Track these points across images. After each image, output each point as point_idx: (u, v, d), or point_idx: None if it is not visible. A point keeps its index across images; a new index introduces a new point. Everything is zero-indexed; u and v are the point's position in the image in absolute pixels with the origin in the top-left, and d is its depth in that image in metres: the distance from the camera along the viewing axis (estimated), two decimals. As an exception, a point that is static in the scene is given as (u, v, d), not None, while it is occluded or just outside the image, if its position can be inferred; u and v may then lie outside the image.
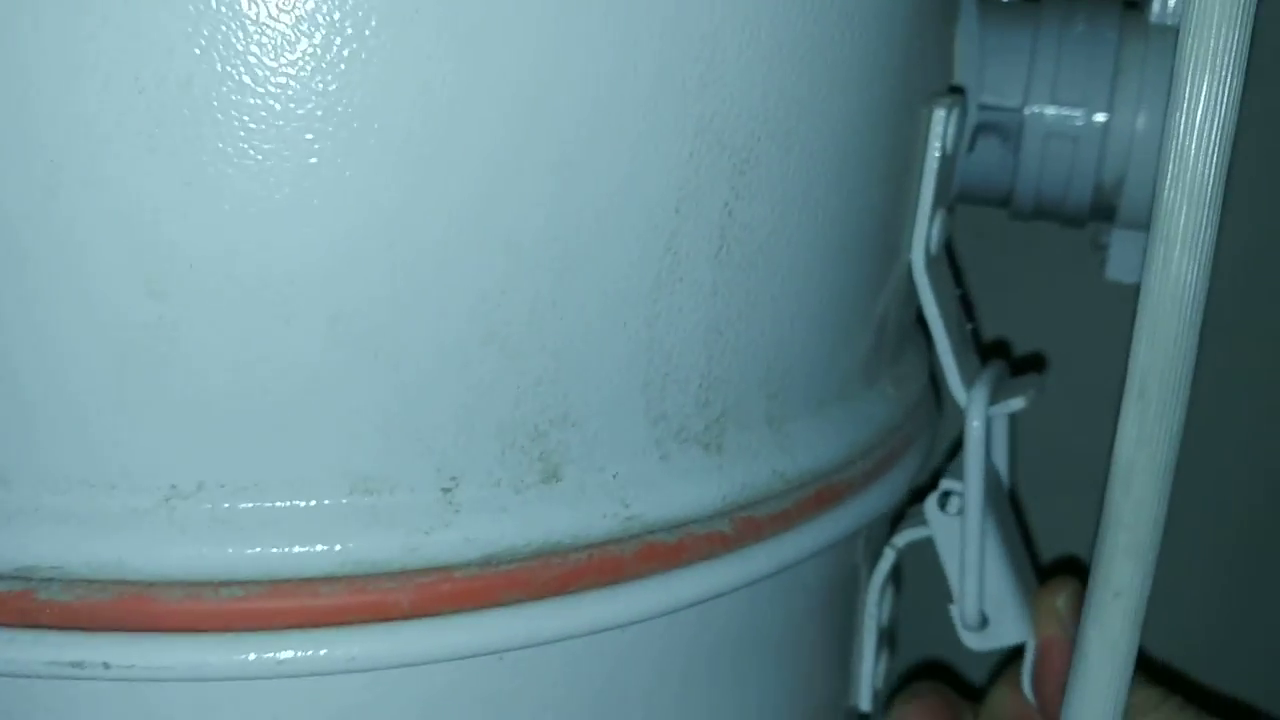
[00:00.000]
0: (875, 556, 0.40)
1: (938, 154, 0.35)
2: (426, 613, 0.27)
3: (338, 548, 0.26)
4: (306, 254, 0.25)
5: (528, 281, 0.27)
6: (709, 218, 0.28)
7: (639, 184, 0.27)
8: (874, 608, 0.41)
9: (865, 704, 0.42)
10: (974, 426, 0.36)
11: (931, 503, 0.39)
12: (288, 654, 0.26)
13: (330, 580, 0.26)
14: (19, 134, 0.23)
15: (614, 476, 0.29)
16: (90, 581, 0.26)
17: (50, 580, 0.25)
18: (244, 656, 0.25)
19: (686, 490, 0.30)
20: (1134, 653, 0.33)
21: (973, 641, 0.38)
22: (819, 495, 0.33)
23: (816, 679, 0.38)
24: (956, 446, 0.39)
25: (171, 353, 0.25)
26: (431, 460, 0.27)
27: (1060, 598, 0.38)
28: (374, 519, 0.27)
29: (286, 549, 0.26)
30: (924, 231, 0.36)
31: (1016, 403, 0.38)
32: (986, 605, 0.38)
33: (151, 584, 0.26)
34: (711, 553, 0.31)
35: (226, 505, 0.26)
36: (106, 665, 0.25)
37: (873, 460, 0.35)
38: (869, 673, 0.41)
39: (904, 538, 0.40)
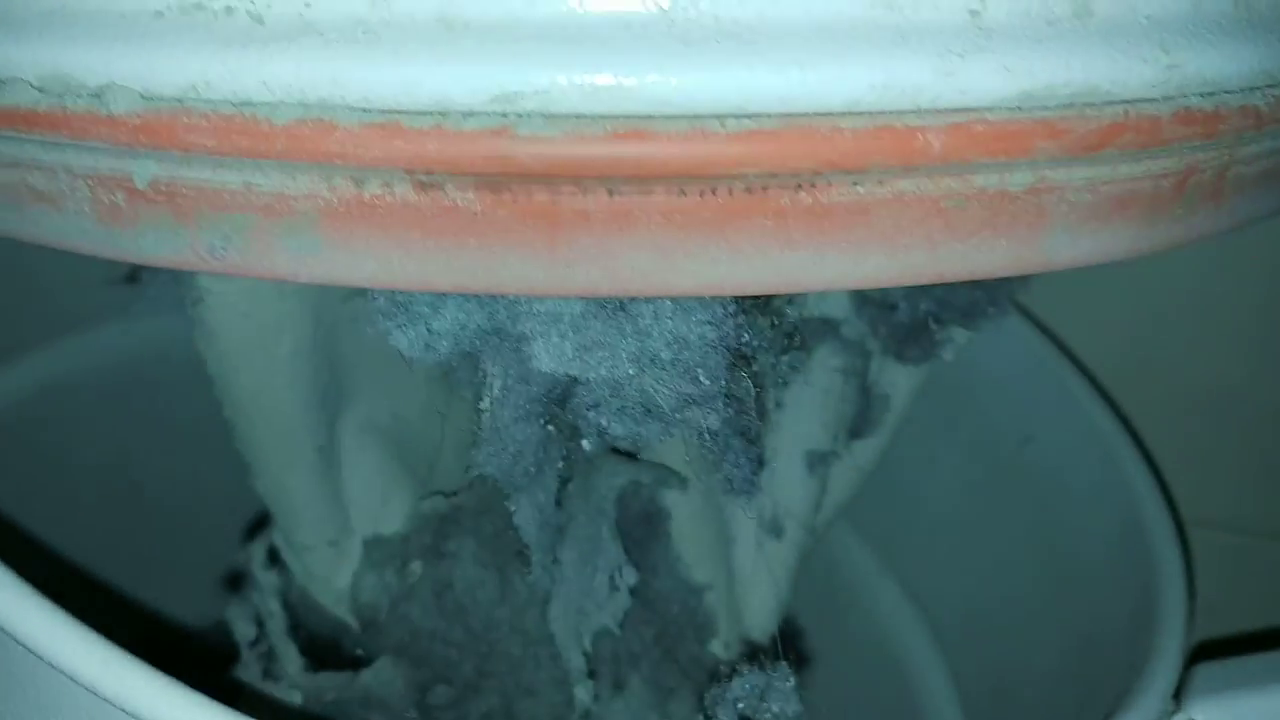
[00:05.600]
0: None
1: None
2: (958, 159, 0.23)
3: (860, 70, 0.22)
4: None
5: None
6: None
7: None
8: None
9: None
10: None
11: None
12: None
13: (851, 114, 0.22)
14: None
15: (1147, 18, 0.25)
16: (579, 116, 0.22)
17: (531, 114, 0.22)
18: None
19: (1224, 51, 0.25)
20: None
21: None
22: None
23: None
24: None
25: None
26: (957, -28, 0.23)
27: None
28: (899, 38, 0.22)
29: (803, 72, 0.22)
30: None
31: None
32: None
33: (649, 117, 0.22)
34: (1244, 126, 0.26)
35: (732, 16, 0.22)
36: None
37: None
38: None
39: None
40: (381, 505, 0.44)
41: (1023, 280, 0.39)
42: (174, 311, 0.56)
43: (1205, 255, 0.57)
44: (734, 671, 0.32)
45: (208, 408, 0.44)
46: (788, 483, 0.42)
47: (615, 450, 0.41)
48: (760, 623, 0.44)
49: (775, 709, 0.31)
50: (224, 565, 0.59)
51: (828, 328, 0.40)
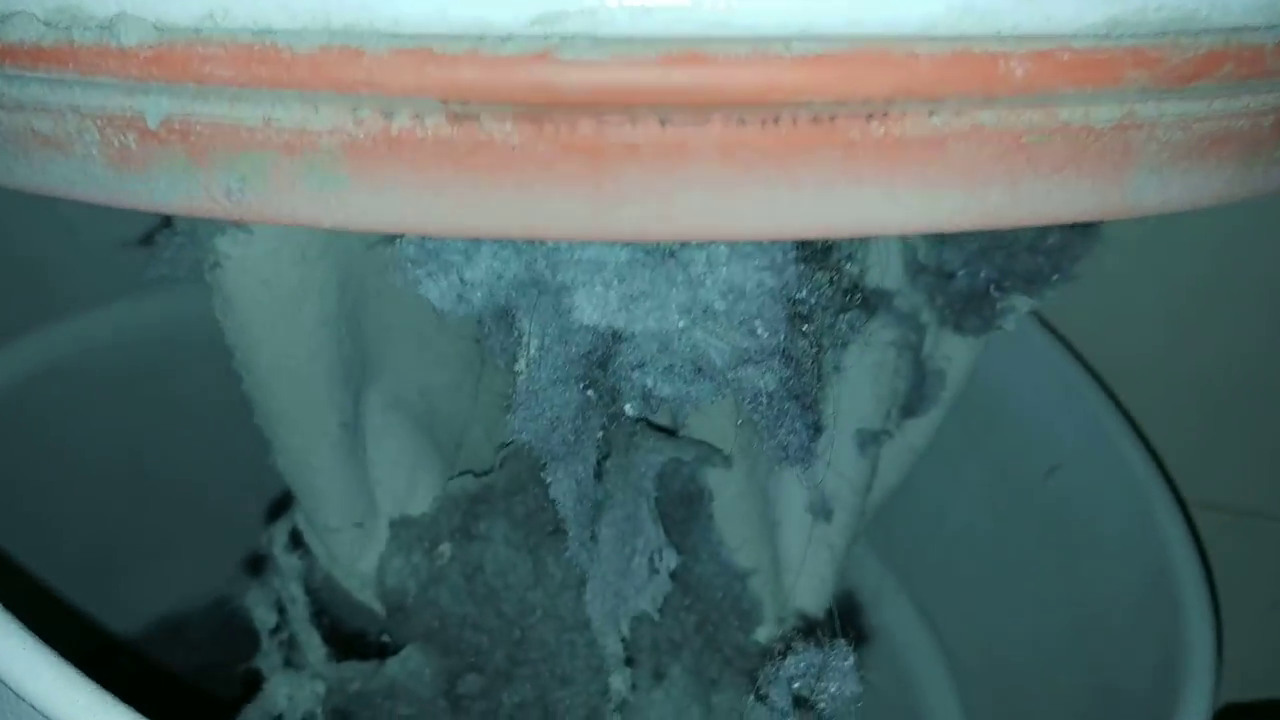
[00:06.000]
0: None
1: None
2: (1041, 89, 0.21)
3: (936, -12, 0.20)
4: None
5: None
6: None
7: None
8: None
9: None
10: None
11: None
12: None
13: (927, 39, 0.21)
14: None
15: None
16: (629, 39, 0.20)
17: (576, 37, 0.20)
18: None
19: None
20: None
21: None
22: None
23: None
24: None
25: None
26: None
27: None
28: (980, -47, 0.20)
29: (873, -9, 0.20)
30: None
31: None
32: None
33: (707, 40, 0.20)
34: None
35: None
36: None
37: None
38: None
39: None
40: (409, 485, 0.42)
41: (1087, 246, 0.37)
42: (185, 286, 0.54)
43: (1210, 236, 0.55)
44: (788, 649, 0.30)
45: (218, 388, 0.42)
46: (837, 463, 0.40)
47: (654, 427, 0.39)
48: (807, 611, 0.42)
49: (833, 689, 0.29)
50: (229, 549, 0.58)
51: (881, 299, 0.38)
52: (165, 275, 0.33)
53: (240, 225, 0.32)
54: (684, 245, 0.24)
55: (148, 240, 0.34)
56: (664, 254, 0.24)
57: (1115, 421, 0.49)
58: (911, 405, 0.41)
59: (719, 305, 0.24)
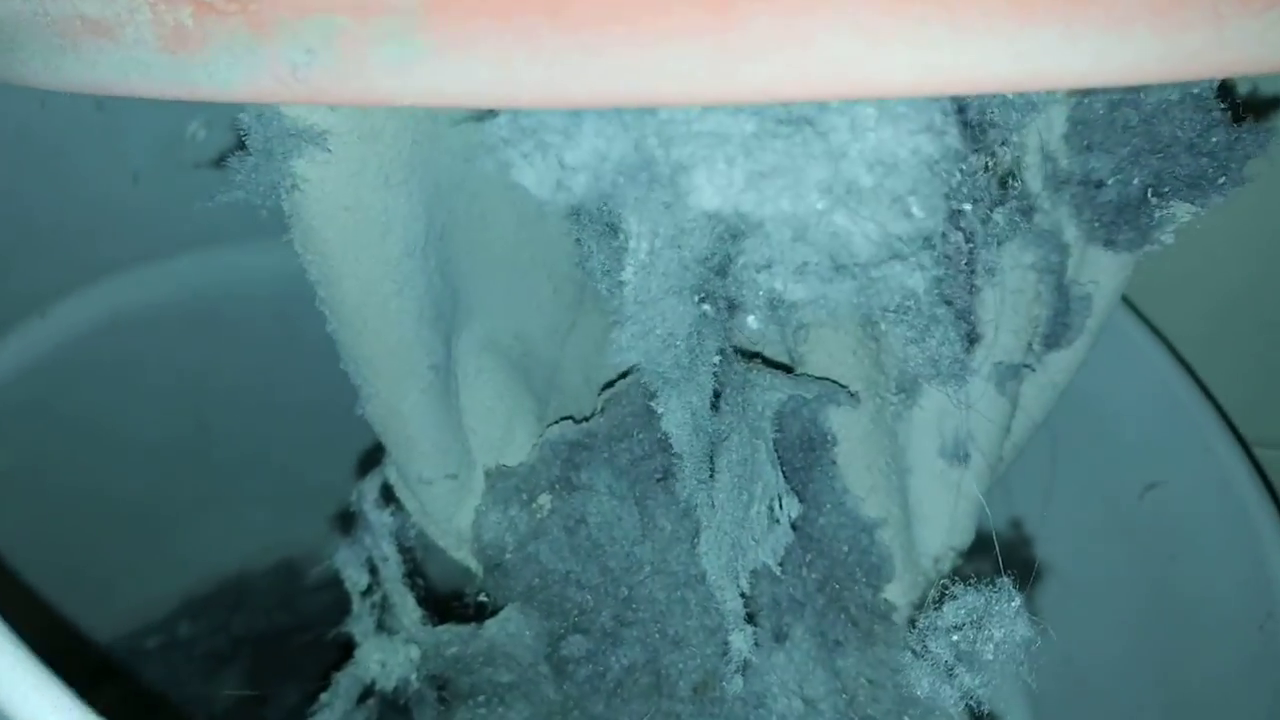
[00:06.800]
0: None
1: None
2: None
3: None
4: None
5: None
6: None
7: None
8: None
9: None
10: None
11: None
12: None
13: None
14: None
15: None
16: None
17: None
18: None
19: None
20: None
21: None
22: None
23: None
24: None
25: None
26: None
27: None
28: None
29: None
30: None
31: None
32: None
33: None
34: None
35: None
36: None
37: None
38: None
39: None
40: (504, 432, 0.39)
41: (1259, 143, 0.32)
42: (249, 240, 0.52)
43: None
44: (944, 594, 0.26)
45: (281, 344, 0.39)
46: (973, 400, 0.36)
47: (770, 364, 0.36)
48: (942, 565, 0.39)
49: (999, 635, 0.25)
50: (292, 511, 0.57)
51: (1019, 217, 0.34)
52: (240, 199, 0.30)
53: (317, 142, 0.29)
54: (823, 109, 0.21)
55: (219, 163, 0.31)
56: (799, 121, 0.20)
57: (1222, 439, 0.46)
58: (1055, 335, 0.36)
59: (865, 180, 0.20)
